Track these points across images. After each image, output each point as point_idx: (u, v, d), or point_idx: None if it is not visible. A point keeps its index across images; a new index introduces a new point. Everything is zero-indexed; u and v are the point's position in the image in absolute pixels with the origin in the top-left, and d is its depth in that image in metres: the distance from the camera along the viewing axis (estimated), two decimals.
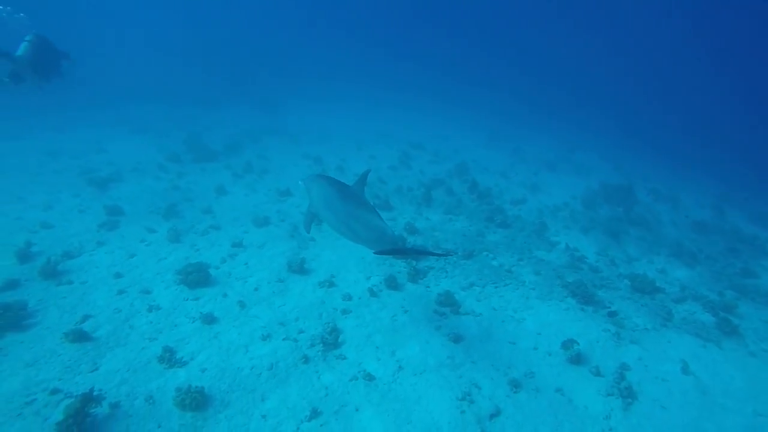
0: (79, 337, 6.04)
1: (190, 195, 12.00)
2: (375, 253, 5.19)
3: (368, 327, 6.96)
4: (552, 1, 56.94)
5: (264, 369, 5.81)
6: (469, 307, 7.82)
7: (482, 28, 63.14)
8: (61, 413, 4.66)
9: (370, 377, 5.81)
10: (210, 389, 5.37)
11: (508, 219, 12.22)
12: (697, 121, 44.07)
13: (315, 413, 5.15)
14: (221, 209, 11.19)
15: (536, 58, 61.88)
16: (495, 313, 7.79)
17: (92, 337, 6.15)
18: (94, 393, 4.93)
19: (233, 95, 28.79)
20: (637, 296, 8.78)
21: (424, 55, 60.46)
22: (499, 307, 7.99)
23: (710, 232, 14.47)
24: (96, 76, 25.72)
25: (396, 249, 5.31)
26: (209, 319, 6.66)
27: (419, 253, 5.45)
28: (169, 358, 5.82)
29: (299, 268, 8.29)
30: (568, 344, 6.60)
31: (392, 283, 8.15)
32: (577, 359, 6.47)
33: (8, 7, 12.17)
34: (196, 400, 5.06)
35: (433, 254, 6.03)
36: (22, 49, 8.89)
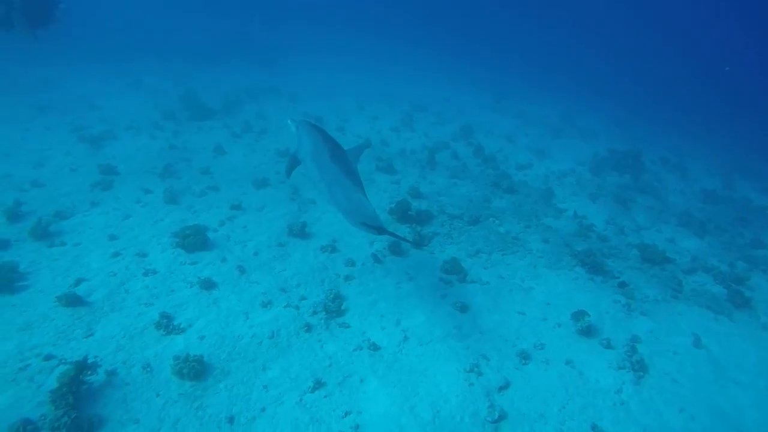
0: (73, 301, 5.81)
1: (187, 154, 11.57)
2: (352, 225, 5.17)
3: (372, 294, 6.74)
4: None
5: (265, 337, 5.62)
6: (476, 275, 7.60)
7: None
8: (55, 380, 4.47)
9: (375, 347, 5.63)
10: (209, 357, 5.19)
11: (514, 184, 11.88)
12: (710, 85, 42.75)
13: (318, 384, 4.98)
14: (219, 170, 10.80)
15: (545, 16, 59.60)
16: (502, 281, 7.58)
17: (86, 301, 5.92)
18: (90, 360, 4.75)
19: (232, 51, 27.65)
20: (646, 266, 8.56)
21: (426, 8, 58.10)
22: (507, 276, 7.77)
23: (719, 202, 14.18)
24: (88, 26, 24.64)
25: (373, 226, 5.11)
26: (208, 285, 6.42)
27: (393, 235, 5.29)
28: (167, 324, 5.61)
29: (300, 232, 8.00)
30: (578, 315, 6.41)
31: (396, 249, 7.90)
32: (588, 331, 6.29)
33: None
34: (194, 369, 4.87)
35: (405, 240, 5.72)
36: None
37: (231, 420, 4.49)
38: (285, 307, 6.19)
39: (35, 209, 8.03)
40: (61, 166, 10.02)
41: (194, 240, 7.25)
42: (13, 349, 5.08)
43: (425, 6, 57.99)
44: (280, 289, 6.54)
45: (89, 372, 4.62)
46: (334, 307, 6.20)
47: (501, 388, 5.23)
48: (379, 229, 5.31)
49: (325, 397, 4.85)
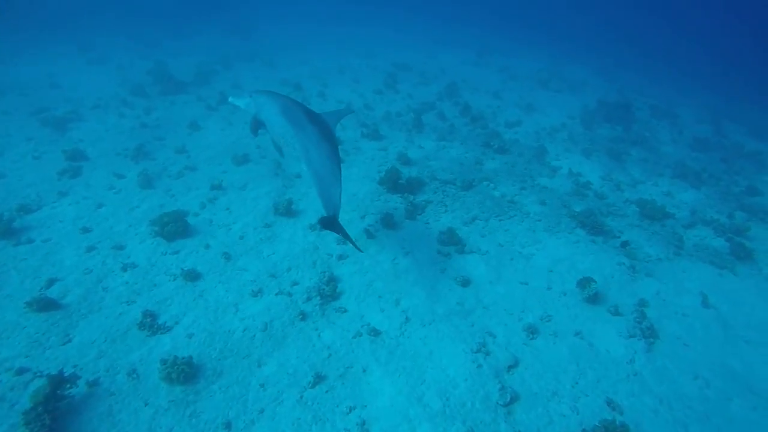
0: (46, 305, 5.36)
1: (160, 133, 10.85)
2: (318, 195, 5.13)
3: (368, 273, 6.40)
4: None
5: (258, 330, 5.27)
6: (474, 245, 7.28)
7: None
8: (28, 399, 4.09)
9: (375, 332, 5.32)
10: (199, 357, 4.84)
11: (505, 144, 11.43)
12: (693, 30, 42.01)
13: (319, 378, 4.68)
14: (196, 147, 10.15)
15: None
16: (502, 249, 7.28)
17: (61, 304, 5.48)
18: (67, 372, 4.37)
19: (201, 19, 26.09)
20: (646, 223, 8.32)
21: None
22: (506, 243, 7.47)
23: (711, 149, 13.94)
24: None
25: (326, 217, 5.02)
26: (192, 276, 5.99)
27: (345, 236, 5.07)
28: (151, 323, 5.22)
29: (286, 210, 7.54)
30: (584, 283, 6.16)
31: (389, 222, 7.50)
32: (594, 299, 6.06)
33: None
34: (184, 372, 4.52)
35: (353, 243, 5.34)
36: None
37: (228, 426, 4.19)
38: (276, 294, 5.83)
39: None
40: (23, 153, 9.28)
41: (174, 227, 6.76)
42: None
43: None
44: (270, 275, 6.15)
45: (68, 385, 4.25)
46: (329, 291, 5.86)
47: (510, 367, 5.00)
48: (330, 222, 4.97)
49: (327, 392, 4.57)
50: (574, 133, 13.28)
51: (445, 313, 5.77)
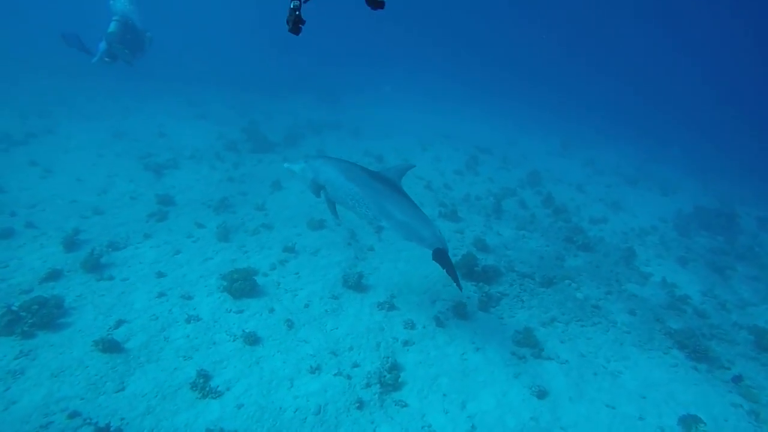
0: (110, 347, 5.35)
1: (244, 188, 11.34)
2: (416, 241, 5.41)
3: (434, 366, 5.85)
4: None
5: (310, 413, 4.85)
6: (552, 350, 6.54)
7: (558, 29, 59.49)
8: None
9: None
10: None
11: (589, 241, 10.69)
12: None
13: None
14: (275, 206, 10.42)
15: (614, 61, 57.84)
16: (584, 360, 6.46)
17: (124, 348, 5.44)
18: (113, 426, 4.18)
19: (297, 84, 28.34)
20: (765, 357, 7.12)
21: (490, 50, 58.05)
22: (588, 353, 6.65)
23: None
24: (168, 57, 26.03)
25: (443, 257, 5.24)
26: (252, 339, 5.79)
27: (452, 273, 5.16)
28: (203, 385, 4.99)
29: (356, 284, 7.28)
30: (689, 422, 5.19)
31: (461, 312, 6.99)
32: None
33: None
34: None
35: (457, 282, 5.20)
36: (111, 26, 9.83)
37: None
38: (335, 375, 5.43)
39: (91, 238, 7.88)
40: (123, 193, 10.01)
41: (242, 285, 6.71)
42: (41, 400, 4.63)
43: (490, 50, 58.13)
44: (331, 352, 5.79)
45: None
46: (391, 380, 5.37)
47: None
48: (442, 255, 5.24)
49: None
50: (667, 239, 12.23)
51: (517, 428, 5.04)
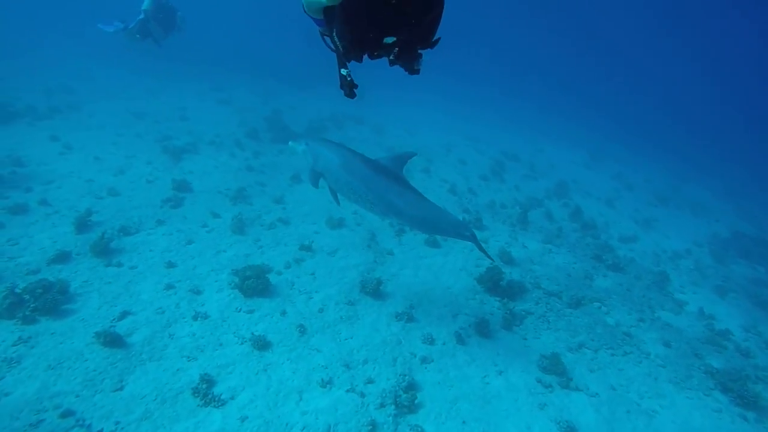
0: (112, 340, 5.03)
1: (263, 179, 10.99)
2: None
3: (453, 388, 5.41)
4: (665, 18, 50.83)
5: None
6: (581, 380, 6.03)
7: (588, 39, 58.08)
8: None
9: None
10: None
11: (619, 261, 10.11)
12: None
13: None
14: (293, 200, 10.05)
15: (644, 78, 56.44)
16: (615, 394, 5.95)
17: (126, 342, 5.12)
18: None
19: (323, 77, 27.91)
20: None
21: (520, 57, 57.04)
22: (619, 387, 6.13)
23: None
24: (197, 38, 25.89)
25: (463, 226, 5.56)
26: (261, 344, 5.41)
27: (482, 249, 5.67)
28: (206, 391, 4.63)
29: (374, 290, 6.86)
30: None
31: (483, 329, 6.52)
32: None
33: None
34: None
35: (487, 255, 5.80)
36: (146, 3, 10.25)
37: None
38: (347, 391, 5.02)
39: (104, 220, 7.61)
40: (140, 175, 9.74)
41: (254, 283, 6.34)
42: (34, 394, 4.32)
43: (519, 57, 57.14)
44: (344, 365, 5.38)
45: None
46: (407, 401, 4.94)
47: None
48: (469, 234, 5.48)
49: None
50: (702, 265, 11.55)
51: None
